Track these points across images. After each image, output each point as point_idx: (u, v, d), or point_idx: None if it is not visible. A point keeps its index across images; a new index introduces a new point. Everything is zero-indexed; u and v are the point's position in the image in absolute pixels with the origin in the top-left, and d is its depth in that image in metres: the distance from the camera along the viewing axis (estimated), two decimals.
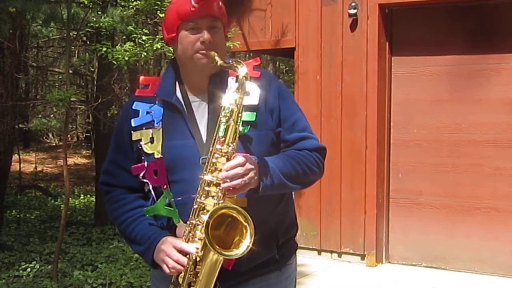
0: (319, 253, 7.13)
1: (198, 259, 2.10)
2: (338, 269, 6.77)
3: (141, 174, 2.22)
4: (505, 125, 6.35)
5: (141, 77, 2.39)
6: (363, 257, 6.84)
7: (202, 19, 2.17)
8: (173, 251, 2.13)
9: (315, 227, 7.09)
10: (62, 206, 10.30)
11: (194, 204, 2.10)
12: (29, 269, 6.60)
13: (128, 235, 2.30)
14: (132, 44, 6.51)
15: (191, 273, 2.11)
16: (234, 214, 2.05)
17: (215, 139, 2.09)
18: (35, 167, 14.57)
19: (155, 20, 8.01)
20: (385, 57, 6.81)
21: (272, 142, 2.27)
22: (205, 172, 2.09)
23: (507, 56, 6.29)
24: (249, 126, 2.20)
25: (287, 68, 19.97)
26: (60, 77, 12.66)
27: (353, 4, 6.75)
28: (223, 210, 2.04)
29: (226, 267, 2.15)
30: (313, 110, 7.02)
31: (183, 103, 2.25)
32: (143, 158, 2.24)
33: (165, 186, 2.20)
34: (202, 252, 2.09)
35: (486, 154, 6.44)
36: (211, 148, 2.09)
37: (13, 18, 6.60)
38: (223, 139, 2.07)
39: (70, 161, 14.50)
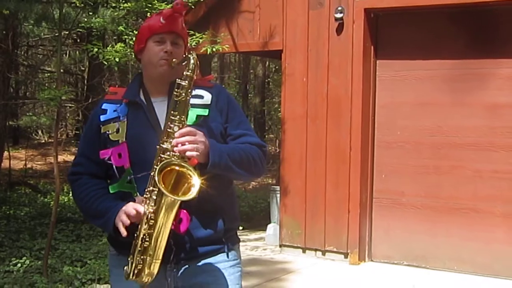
0: (304, 251, 7.28)
1: (150, 215, 2.35)
2: (322, 266, 6.91)
3: (107, 157, 2.55)
4: (485, 128, 6.52)
5: (111, 88, 2.83)
6: (346, 255, 6.99)
7: (167, 34, 2.56)
8: (127, 207, 2.41)
9: (300, 225, 7.24)
10: (51, 203, 10.40)
11: (151, 172, 2.39)
12: (19, 265, 6.71)
13: (93, 210, 2.56)
14: (122, 45, 6.63)
15: (145, 231, 2.36)
16: (180, 169, 2.36)
17: (168, 112, 2.44)
18: (25, 164, 14.60)
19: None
20: (370, 60, 6.96)
21: (221, 134, 2.61)
22: (161, 141, 2.40)
23: (488, 61, 6.46)
24: (202, 118, 2.55)
25: (276, 67, 20.10)
26: (49, 75, 12.75)
27: (339, 8, 6.90)
28: (171, 166, 2.35)
29: (179, 233, 2.44)
30: (299, 111, 7.18)
31: (145, 102, 2.62)
32: (108, 146, 2.56)
33: (127, 165, 2.51)
34: (155, 207, 2.35)
35: (466, 156, 6.60)
36: (165, 121, 2.43)
37: (5, 18, 6.70)
38: (176, 112, 2.41)
39: (60, 158, 14.55)
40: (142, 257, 2.39)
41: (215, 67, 21.16)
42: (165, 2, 6.89)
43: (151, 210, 2.36)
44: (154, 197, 2.37)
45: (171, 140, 2.38)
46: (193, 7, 7.57)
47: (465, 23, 6.59)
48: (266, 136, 19.82)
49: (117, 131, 2.57)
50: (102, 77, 8.71)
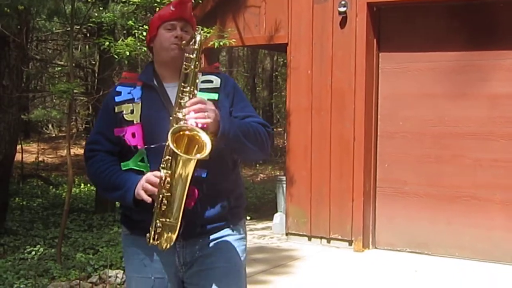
0: (309, 239, 7.47)
1: (167, 179, 2.48)
2: (327, 254, 7.09)
3: (121, 136, 2.66)
4: (485, 118, 6.68)
5: (124, 73, 2.95)
6: (350, 242, 7.18)
7: (177, 21, 2.71)
8: (148, 175, 2.55)
9: (306, 214, 7.42)
10: (63, 194, 10.65)
11: (166, 141, 2.50)
12: (33, 252, 6.94)
13: (110, 183, 2.67)
14: (133, 39, 6.82)
15: (164, 190, 2.49)
16: (190, 133, 2.48)
17: (179, 85, 2.58)
18: (37, 157, 14.85)
19: None
20: (373, 53, 7.12)
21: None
22: (173, 113, 2.55)
23: (488, 53, 6.61)
24: (212, 102, 2.62)
25: (284, 61, 20.24)
26: (60, 69, 12.94)
27: (343, 2, 7.06)
28: (182, 131, 2.48)
29: (188, 207, 2.57)
30: (304, 103, 7.36)
31: (158, 86, 2.76)
32: (123, 125, 2.68)
33: (140, 145, 2.64)
34: (171, 170, 2.49)
35: (467, 146, 6.76)
36: (177, 93, 2.58)
37: (19, 14, 6.89)
38: (186, 84, 2.56)
39: (71, 151, 14.83)
40: (161, 219, 2.51)
41: (224, 61, 21.33)
42: None
43: (168, 174, 2.48)
44: (167, 162, 2.49)
45: (183, 110, 2.51)
46: (200, 1, 7.76)
47: (466, 16, 6.74)
48: (274, 129, 19.98)
49: (132, 112, 2.69)
50: (112, 71, 8.89)
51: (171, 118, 2.55)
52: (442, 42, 6.86)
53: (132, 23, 7.11)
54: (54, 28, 9.60)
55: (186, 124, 2.49)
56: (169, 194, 2.50)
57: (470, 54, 6.71)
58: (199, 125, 2.47)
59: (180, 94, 2.56)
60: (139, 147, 2.65)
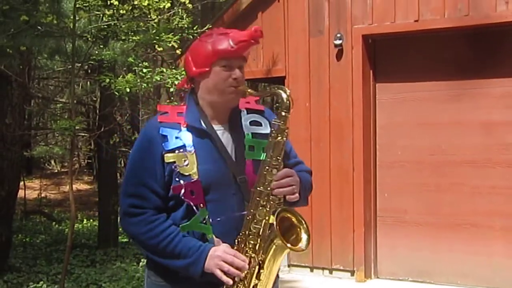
0: (312, 270, 7.49)
1: (260, 263, 2.31)
2: (329, 285, 7.12)
3: (180, 194, 2.36)
4: (481, 146, 6.76)
5: (159, 106, 2.62)
6: (352, 273, 7.20)
7: (236, 59, 2.42)
8: (228, 255, 2.31)
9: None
10: (66, 230, 10.68)
11: (246, 216, 2.36)
12: None
13: (170, 251, 2.36)
14: (133, 75, 6.93)
15: (252, 279, 2.33)
16: (290, 216, 2.37)
17: (267, 155, 2.36)
18: (39, 194, 14.91)
19: (154, 53, 8.46)
20: (370, 84, 7.23)
21: None
22: (257, 184, 2.34)
23: (481, 81, 6.72)
24: (265, 153, 2.43)
25: None
26: (62, 106, 13.06)
27: (338, 35, 7.19)
28: (283, 213, 2.33)
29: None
30: (303, 135, 7.44)
31: (210, 131, 2.45)
32: (177, 179, 2.37)
33: (202, 205, 2.36)
34: (262, 256, 2.32)
35: (465, 173, 6.84)
36: (262, 164, 2.36)
37: (21, 53, 7.01)
38: (272, 154, 2.35)
39: (73, 187, 14.88)
40: None
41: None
42: (172, 34, 7.18)
43: (260, 258, 2.28)
44: (252, 243, 2.32)
45: (266, 182, 2.31)
46: (198, 37, 7.88)
47: (457, 46, 6.86)
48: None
49: (186, 164, 2.38)
50: (113, 107, 9.00)
51: (252, 189, 2.34)
52: (436, 72, 6.97)
53: (132, 60, 7.22)
54: (55, 66, 9.72)
55: (271, 198, 2.32)
56: (257, 281, 2.33)
57: (463, 83, 6.82)
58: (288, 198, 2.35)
59: (266, 166, 2.34)
60: (200, 207, 2.38)
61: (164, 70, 7.45)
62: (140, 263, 7.96)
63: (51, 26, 6.64)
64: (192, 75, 2.48)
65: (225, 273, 2.30)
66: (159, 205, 2.41)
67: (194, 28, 7.65)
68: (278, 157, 2.34)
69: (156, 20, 7.39)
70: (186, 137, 2.41)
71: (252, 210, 2.33)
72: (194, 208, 2.36)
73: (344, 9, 7.19)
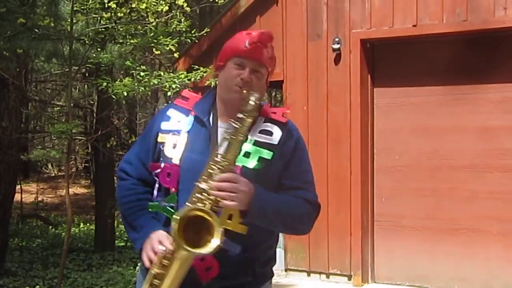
0: (309, 275, 7.46)
1: (168, 255, 2.26)
2: None
3: (155, 172, 2.44)
4: (480, 150, 6.75)
5: (184, 91, 2.70)
6: (349, 277, 7.18)
7: (249, 60, 2.40)
8: (155, 241, 2.31)
9: (304, 249, 7.44)
10: (62, 234, 10.65)
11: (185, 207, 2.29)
12: None
13: (130, 220, 2.49)
14: (130, 79, 6.92)
15: (160, 265, 2.27)
16: (205, 217, 2.20)
17: (217, 153, 2.29)
18: (36, 197, 14.87)
19: (152, 57, 8.45)
20: (368, 88, 7.21)
21: (278, 180, 2.44)
22: (200, 179, 2.26)
23: (479, 86, 6.71)
24: (263, 163, 2.38)
25: (282, 97, 20.31)
26: (59, 109, 13.04)
27: (336, 39, 7.19)
28: (196, 212, 2.20)
29: (203, 281, 2.35)
30: None
31: (210, 124, 2.46)
32: (161, 159, 2.44)
33: (173, 189, 2.40)
34: (174, 247, 2.24)
35: (463, 178, 6.82)
36: (211, 160, 2.28)
37: (18, 56, 7.00)
38: (224, 153, 2.27)
39: (70, 191, 14.87)
40: None
41: None
42: (170, 37, 7.18)
43: (170, 250, 2.24)
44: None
45: (209, 180, 2.24)
46: (197, 41, 7.88)
47: (456, 51, 6.85)
48: None
49: (174, 146, 2.43)
50: (110, 111, 8.99)
51: (195, 183, 2.26)
52: (434, 76, 6.96)
53: (130, 63, 7.22)
54: (52, 69, 9.71)
55: (209, 198, 2.23)
56: (164, 272, 2.27)
57: (462, 88, 6.81)
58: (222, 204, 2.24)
59: (211, 163, 2.27)
60: (171, 191, 2.42)
61: (162, 73, 7.45)
62: (137, 268, 7.93)
63: (48, 28, 6.64)
64: (215, 67, 2.57)
65: (146, 255, 2.34)
66: (143, 176, 2.50)
67: (192, 32, 7.64)
68: (228, 158, 2.27)
69: (154, 23, 7.39)
70: (187, 124, 2.46)
71: (190, 202, 2.27)
72: (159, 188, 2.44)
73: (343, 13, 7.19)
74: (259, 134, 2.42)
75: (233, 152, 2.28)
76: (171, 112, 2.51)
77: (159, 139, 2.46)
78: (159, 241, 2.30)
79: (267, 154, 2.39)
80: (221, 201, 2.22)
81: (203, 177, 2.25)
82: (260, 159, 2.38)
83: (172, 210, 2.39)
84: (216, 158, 2.26)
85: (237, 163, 2.35)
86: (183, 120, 2.47)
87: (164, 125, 2.48)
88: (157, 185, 2.48)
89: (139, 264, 2.71)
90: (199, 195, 2.24)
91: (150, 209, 2.46)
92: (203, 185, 2.24)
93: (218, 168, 2.25)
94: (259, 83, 2.44)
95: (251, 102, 2.32)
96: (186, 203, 2.26)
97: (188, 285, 2.32)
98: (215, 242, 2.18)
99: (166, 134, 2.45)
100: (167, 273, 2.26)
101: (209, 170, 2.25)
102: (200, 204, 2.23)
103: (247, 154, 2.39)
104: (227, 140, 2.29)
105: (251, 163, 2.37)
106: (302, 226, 2.48)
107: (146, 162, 2.50)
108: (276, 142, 2.42)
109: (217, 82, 2.59)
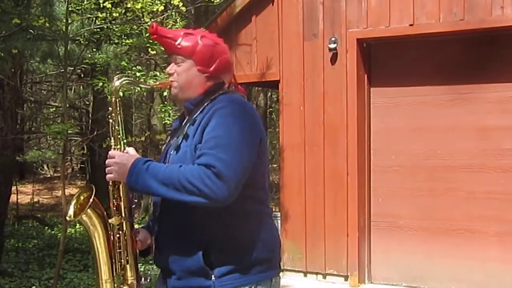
0: (305, 275, 7.45)
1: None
2: None
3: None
4: (476, 151, 6.74)
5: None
6: (346, 278, 7.16)
7: (169, 56, 2.64)
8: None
9: (301, 250, 7.42)
10: (58, 235, 10.61)
11: None
12: None
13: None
14: None
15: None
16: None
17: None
18: (32, 198, 14.84)
19: (147, 57, 8.42)
20: (364, 88, 7.20)
21: (191, 154, 2.47)
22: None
23: (476, 86, 6.70)
24: (183, 140, 2.53)
25: (278, 97, 20.30)
26: (54, 110, 13.02)
27: (333, 39, 7.17)
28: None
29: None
30: (297, 139, 7.41)
31: (179, 123, 2.69)
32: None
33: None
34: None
35: (460, 178, 6.81)
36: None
37: (13, 57, 6.97)
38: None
39: (66, 192, 14.81)
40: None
41: None
42: None
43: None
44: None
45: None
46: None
47: (453, 51, 6.85)
48: (270, 165, 19.96)
49: (164, 142, 2.74)
50: (106, 111, 8.95)
51: None
52: (431, 76, 6.95)
53: (125, 64, 7.19)
54: (48, 70, 9.69)
55: None
56: None
57: (458, 88, 6.80)
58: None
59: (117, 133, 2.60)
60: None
61: (158, 74, 7.41)
62: None
63: (44, 29, 6.61)
64: None
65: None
66: None
67: None
68: (113, 139, 2.57)
69: (149, 23, 7.35)
70: (177, 121, 2.72)
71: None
72: None
73: (339, 13, 7.17)
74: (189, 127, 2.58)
75: (113, 133, 2.57)
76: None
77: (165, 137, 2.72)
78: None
79: (189, 130, 2.53)
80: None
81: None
82: (182, 138, 2.53)
83: None
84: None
85: (171, 149, 2.58)
86: (179, 119, 2.76)
87: (174, 124, 2.79)
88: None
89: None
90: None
91: None
92: None
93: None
94: (183, 71, 2.58)
95: (116, 82, 2.61)
96: None
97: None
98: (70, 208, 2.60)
99: (167, 132, 2.66)
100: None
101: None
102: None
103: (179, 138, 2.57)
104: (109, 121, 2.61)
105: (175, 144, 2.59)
106: (193, 189, 2.33)
107: None
108: (198, 120, 2.51)
109: None
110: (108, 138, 2.64)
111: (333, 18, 7.22)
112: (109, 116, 2.59)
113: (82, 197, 2.61)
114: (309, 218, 7.36)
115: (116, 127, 2.56)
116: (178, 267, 2.49)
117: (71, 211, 2.58)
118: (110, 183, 2.56)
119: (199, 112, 2.52)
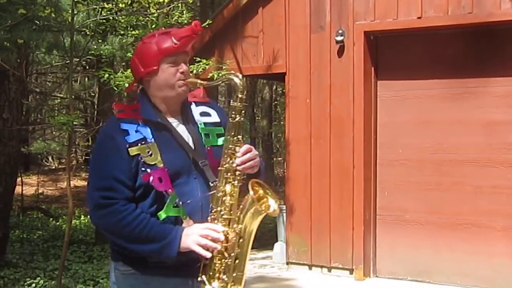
0: (310, 268, 7.43)
1: (239, 231, 2.49)
2: (328, 283, 7.06)
3: (148, 182, 2.48)
4: (483, 145, 6.70)
5: (115, 104, 2.78)
6: (351, 271, 7.15)
7: (181, 55, 2.59)
8: (203, 230, 2.46)
9: (306, 243, 7.40)
10: (63, 226, 10.63)
11: (217, 193, 2.51)
12: (34, 285, 6.91)
13: (145, 235, 2.47)
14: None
15: (227, 246, 2.48)
16: (257, 187, 2.54)
17: (226, 135, 2.55)
18: (37, 190, 14.85)
19: None
20: (371, 81, 7.16)
21: None
22: (223, 163, 2.52)
23: (485, 80, 6.66)
24: (222, 138, 2.67)
25: (283, 90, 20.28)
26: (60, 101, 13.00)
27: (340, 31, 7.13)
28: (253, 185, 2.50)
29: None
30: (303, 132, 7.39)
31: (166, 123, 2.63)
32: (143, 169, 2.49)
33: (170, 190, 2.50)
34: (239, 226, 2.49)
35: (467, 172, 6.78)
36: (225, 144, 2.55)
37: (18, 47, 6.94)
38: (233, 133, 2.53)
39: (71, 183, 14.80)
40: (227, 274, 2.49)
41: (223, 91, 21.41)
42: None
43: (238, 228, 2.48)
44: (225, 217, 2.49)
45: (231, 160, 2.50)
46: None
47: (461, 44, 6.81)
48: (274, 159, 19.97)
49: (150, 154, 2.51)
50: (111, 103, 8.92)
51: (219, 168, 2.52)
52: (438, 70, 6.91)
53: (131, 55, 7.14)
54: (53, 61, 9.66)
55: (237, 173, 2.51)
56: (238, 249, 2.49)
57: (466, 81, 6.77)
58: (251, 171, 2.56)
59: (229, 145, 2.52)
60: (169, 192, 2.51)
61: None
62: None
63: (49, 20, 6.57)
64: (140, 75, 2.62)
65: (203, 247, 2.44)
66: (128, 195, 2.51)
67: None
68: (238, 136, 2.53)
69: (155, 15, 7.32)
70: (145, 131, 2.56)
71: (221, 187, 2.51)
72: (165, 193, 2.50)
73: (346, 5, 7.13)
74: (202, 117, 2.71)
75: (240, 130, 2.53)
76: (123, 126, 2.55)
77: (131, 153, 2.50)
78: (213, 229, 2.46)
79: (219, 130, 2.70)
80: (247, 171, 2.53)
81: (226, 159, 2.51)
82: (217, 136, 2.68)
83: (179, 207, 2.52)
84: (230, 139, 2.52)
85: (206, 145, 2.64)
86: (139, 128, 2.56)
87: (128, 139, 2.53)
88: (150, 196, 2.53)
89: (114, 269, 2.68)
90: (227, 176, 2.50)
91: (160, 218, 2.51)
92: (226, 166, 2.51)
93: (236, 146, 2.52)
94: (189, 69, 2.69)
95: (238, 81, 2.54)
96: (220, 187, 2.50)
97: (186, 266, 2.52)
98: (273, 202, 2.54)
99: (135, 146, 2.51)
100: (242, 245, 2.51)
101: (229, 151, 2.52)
102: (231, 183, 2.51)
103: (207, 135, 2.68)
104: (233, 122, 2.52)
105: (215, 141, 2.68)
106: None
107: (125, 180, 2.51)
108: (218, 120, 2.74)
109: (149, 87, 2.64)
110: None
111: (340, 10, 7.18)
112: (235, 114, 2.53)
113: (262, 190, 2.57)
114: (314, 211, 7.34)
115: (242, 123, 2.56)
116: None
117: (275, 206, 2.54)
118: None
119: (203, 107, 2.76)
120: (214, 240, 2.44)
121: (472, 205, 6.75)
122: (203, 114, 2.72)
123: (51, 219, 12.19)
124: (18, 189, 11.20)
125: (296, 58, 7.49)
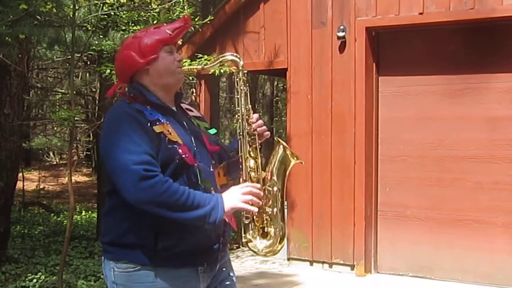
0: (311, 264, 7.44)
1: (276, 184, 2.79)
2: (329, 279, 7.07)
3: (182, 155, 2.60)
4: (485, 141, 6.70)
5: (109, 91, 2.92)
6: (352, 267, 7.15)
7: (174, 45, 2.80)
8: (244, 188, 2.65)
9: (307, 239, 7.41)
10: (64, 221, 10.64)
11: (241, 159, 2.77)
12: (35, 280, 6.91)
13: (190, 203, 2.53)
14: None
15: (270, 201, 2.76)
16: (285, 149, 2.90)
17: (242, 104, 2.81)
18: (38, 185, 14.86)
19: None
20: (372, 77, 7.16)
21: None
22: (241, 131, 2.78)
23: (486, 76, 6.66)
24: (212, 130, 2.95)
25: (284, 86, 20.28)
26: (61, 96, 12.99)
27: (341, 27, 7.13)
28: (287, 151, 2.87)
29: (236, 228, 2.76)
30: (304, 128, 7.38)
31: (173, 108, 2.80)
32: (169, 146, 2.58)
33: (196, 164, 2.65)
34: (273, 180, 2.80)
35: (468, 169, 6.78)
36: (239, 114, 2.80)
37: (20, 43, 6.93)
38: (243, 104, 2.80)
39: (72, 178, 14.79)
40: (269, 228, 2.76)
41: (224, 87, 21.39)
42: None
43: (272, 182, 2.78)
44: (254, 175, 2.74)
45: (248, 126, 2.78)
46: (200, 29, 7.81)
47: (462, 40, 6.80)
48: None
49: (170, 133, 2.60)
50: (112, 98, 8.91)
51: (238, 137, 2.78)
52: (440, 65, 6.91)
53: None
54: (55, 57, 9.63)
55: (256, 135, 2.80)
56: (275, 203, 2.77)
57: (468, 77, 6.76)
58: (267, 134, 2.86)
59: (243, 115, 2.78)
60: (196, 166, 2.65)
61: None
62: None
63: (51, 15, 6.56)
64: (138, 67, 2.69)
65: (247, 203, 2.62)
66: (160, 171, 2.58)
67: (196, 19, 7.57)
68: (248, 106, 2.79)
69: (157, 10, 7.31)
70: (157, 114, 2.64)
71: (245, 152, 2.76)
72: (194, 167, 2.64)
73: (348, 0, 7.13)
74: (190, 112, 2.90)
75: (246, 99, 2.81)
76: (139, 106, 2.62)
77: (156, 130, 2.57)
78: (254, 188, 2.66)
79: (206, 125, 2.92)
80: (264, 134, 2.85)
81: (242, 128, 2.78)
82: (206, 128, 2.89)
83: (207, 179, 2.69)
84: (243, 109, 2.79)
85: (202, 133, 2.83)
86: (151, 111, 2.64)
87: (149, 117, 2.60)
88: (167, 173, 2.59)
89: (111, 270, 2.67)
90: (248, 141, 2.78)
91: (203, 186, 2.65)
92: (245, 132, 2.78)
93: (248, 114, 2.80)
94: None
95: (235, 58, 2.87)
96: (243, 152, 2.77)
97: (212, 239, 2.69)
98: (297, 157, 2.90)
99: (157, 125, 2.59)
100: (277, 199, 2.79)
101: (242, 120, 2.78)
102: (253, 144, 2.80)
103: (197, 126, 2.85)
104: (241, 92, 2.80)
105: (211, 131, 2.92)
106: None
107: (155, 155, 2.55)
108: (200, 114, 2.98)
109: (148, 76, 2.73)
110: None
111: (342, 6, 7.17)
112: (243, 86, 2.82)
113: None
114: (315, 207, 7.35)
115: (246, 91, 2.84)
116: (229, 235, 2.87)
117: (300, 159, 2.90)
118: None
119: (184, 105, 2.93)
120: (256, 195, 2.63)
121: (473, 201, 6.75)
122: (187, 109, 2.91)
123: (52, 214, 12.20)
124: (19, 184, 11.20)
125: (298, 54, 7.48)
